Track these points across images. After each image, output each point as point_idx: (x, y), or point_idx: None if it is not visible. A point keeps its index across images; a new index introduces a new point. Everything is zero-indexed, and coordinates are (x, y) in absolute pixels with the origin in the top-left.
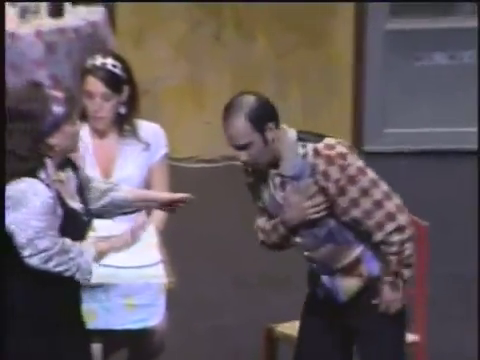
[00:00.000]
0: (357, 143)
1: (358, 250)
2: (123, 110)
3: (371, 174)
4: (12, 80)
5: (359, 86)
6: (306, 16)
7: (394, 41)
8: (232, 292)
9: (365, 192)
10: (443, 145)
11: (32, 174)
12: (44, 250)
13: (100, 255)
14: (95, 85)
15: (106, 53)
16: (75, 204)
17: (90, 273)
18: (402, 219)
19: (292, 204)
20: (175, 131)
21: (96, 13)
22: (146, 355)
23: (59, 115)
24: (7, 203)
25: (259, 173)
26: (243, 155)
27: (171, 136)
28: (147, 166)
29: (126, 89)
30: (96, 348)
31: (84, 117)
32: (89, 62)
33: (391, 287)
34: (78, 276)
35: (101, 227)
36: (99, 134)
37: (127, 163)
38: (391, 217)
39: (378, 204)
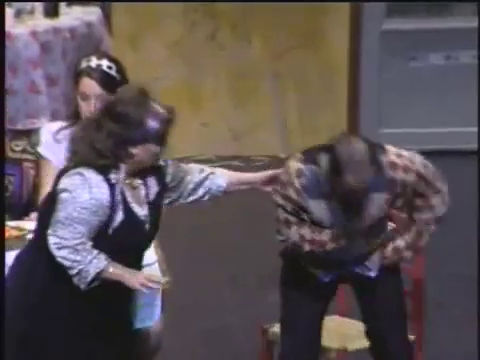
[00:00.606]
0: None
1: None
2: None
3: (423, 160)
4: (8, 80)
5: (355, 86)
6: (302, 17)
7: (390, 41)
8: (229, 292)
9: (424, 178)
10: (439, 145)
11: (103, 170)
12: (61, 237)
13: (107, 275)
14: (90, 86)
15: (101, 54)
16: (141, 212)
17: (86, 284)
18: (445, 191)
19: (364, 216)
20: (171, 131)
21: (91, 13)
22: (142, 355)
23: (150, 130)
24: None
25: (318, 187)
26: (358, 194)
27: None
28: None
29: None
30: None
31: (77, 117)
32: (84, 63)
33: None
34: (75, 280)
35: None
36: None
37: None
38: (437, 191)
39: (436, 191)
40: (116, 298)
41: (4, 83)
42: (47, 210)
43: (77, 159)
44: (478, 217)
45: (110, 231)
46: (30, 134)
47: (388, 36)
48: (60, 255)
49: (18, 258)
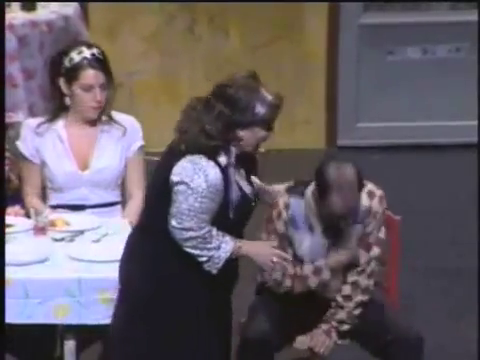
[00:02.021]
0: (330, 137)
1: None
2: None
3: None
4: None
5: (332, 80)
6: (279, 10)
7: (367, 35)
8: None
9: (377, 243)
10: (416, 139)
11: (213, 153)
12: (188, 229)
13: (235, 255)
14: (96, 77)
15: (87, 44)
16: (249, 190)
17: (217, 269)
18: (371, 282)
19: (346, 250)
20: (149, 124)
21: (69, 7)
22: None
23: (259, 115)
24: (181, 163)
25: (304, 220)
26: (343, 222)
27: (145, 129)
28: (124, 158)
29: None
30: (69, 345)
31: (62, 110)
32: (76, 56)
33: (326, 334)
34: (206, 266)
35: (76, 222)
36: (77, 127)
37: (104, 153)
38: (371, 275)
39: (375, 259)
40: (231, 278)
41: (4, 83)
42: (159, 199)
43: (187, 139)
44: (478, 210)
45: (230, 213)
46: (7, 127)
47: (366, 30)
48: (189, 245)
49: (131, 247)
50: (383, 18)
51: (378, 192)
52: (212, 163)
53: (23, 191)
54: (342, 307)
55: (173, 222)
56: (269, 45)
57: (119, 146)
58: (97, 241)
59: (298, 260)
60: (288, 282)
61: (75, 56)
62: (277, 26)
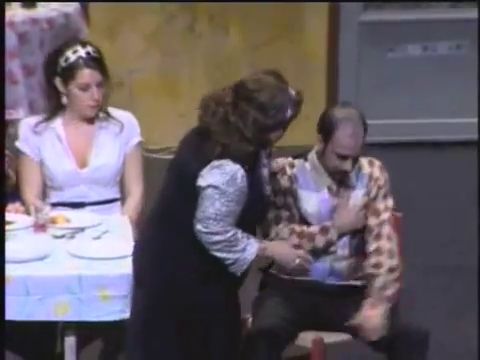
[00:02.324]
0: None
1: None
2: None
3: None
4: None
5: (333, 78)
6: (279, 8)
7: (367, 33)
8: None
9: (386, 209)
10: (417, 136)
11: (249, 157)
12: (215, 233)
13: (262, 257)
14: (92, 76)
15: (81, 42)
16: (268, 191)
17: (242, 270)
18: (395, 248)
19: (350, 211)
20: (149, 123)
21: (69, 4)
22: (120, 347)
23: (289, 116)
24: (208, 168)
25: (309, 179)
26: (348, 164)
27: (145, 128)
28: (122, 154)
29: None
30: (69, 341)
31: (59, 109)
32: (71, 55)
33: (373, 307)
34: (231, 268)
35: (76, 219)
36: (75, 125)
37: (102, 150)
38: (390, 238)
39: (390, 222)
40: (244, 274)
41: (4, 82)
42: (182, 198)
43: (232, 150)
44: (478, 208)
45: (251, 214)
46: (7, 125)
47: (366, 28)
48: (215, 249)
49: (146, 240)
50: (383, 16)
51: (377, 162)
52: (238, 167)
53: (21, 189)
54: (376, 275)
55: (199, 226)
56: (269, 44)
57: (117, 143)
58: (97, 238)
59: (304, 220)
60: (295, 239)
61: (70, 55)
62: (277, 25)
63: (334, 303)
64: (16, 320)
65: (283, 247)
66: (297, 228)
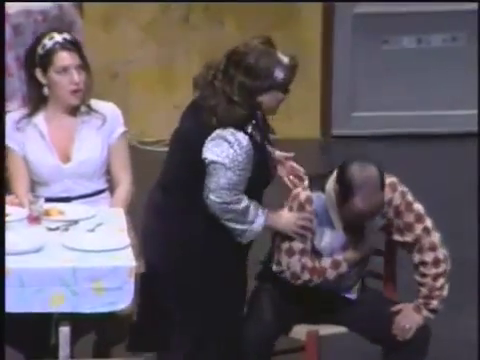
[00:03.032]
0: (325, 127)
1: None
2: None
3: (421, 205)
4: None
5: (327, 70)
6: None
7: (362, 24)
8: None
9: (419, 218)
10: (412, 128)
11: (243, 121)
12: (229, 202)
13: (267, 226)
14: (70, 58)
15: (57, 30)
16: (269, 148)
17: (248, 240)
18: (441, 253)
19: (364, 244)
20: (144, 114)
21: None
22: (114, 339)
23: (278, 79)
24: (213, 140)
25: (326, 215)
26: (369, 222)
27: (140, 119)
28: (106, 146)
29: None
30: (64, 331)
31: (42, 102)
32: (48, 42)
33: (415, 310)
34: (238, 237)
35: (70, 211)
36: (57, 119)
37: (85, 144)
38: (433, 248)
39: (428, 231)
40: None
41: (4, 81)
42: (188, 171)
43: (218, 112)
44: (478, 201)
45: (257, 179)
46: None
47: (360, 19)
48: (227, 218)
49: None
50: (378, 7)
51: (388, 179)
52: (242, 134)
53: (11, 183)
54: (422, 284)
55: (213, 197)
56: (264, 34)
57: (100, 136)
58: (92, 230)
59: (317, 253)
60: (306, 275)
61: (47, 42)
62: (272, 15)
63: (333, 298)
64: (10, 312)
65: (285, 217)
66: (308, 263)
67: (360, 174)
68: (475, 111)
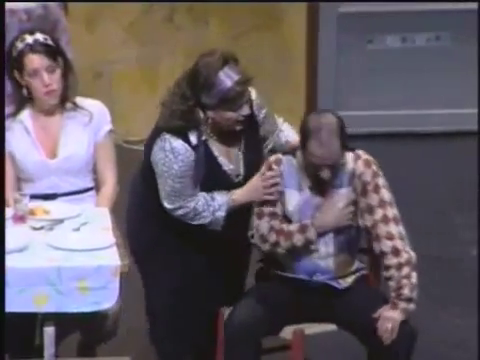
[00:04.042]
0: None
1: (357, 262)
2: (62, 83)
3: (390, 194)
4: None
5: (312, 69)
6: None
7: (347, 24)
8: None
9: (382, 204)
10: (396, 128)
11: (182, 133)
12: (179, 207)
13: (235, 206)
14: (39, 60)
15: (30, 31)
16: (229, 166)
17: (220, 226)
18: (400, 243)
19: (331, 210)
20: (129, 114)
21: None
22: (99, 338)
23: (220, 96)
24: (156, 145)
25: (293, 177)
26: (325, 173)
27: (125, 119)
28: (92, 143)
29: (60, 60)
30: (49, 331)
31: (23, 103)
32: (19, 44)
33: (392, 308)
34: (210, 228)
35: (55, 210)
36: (42, 115)
37: (71, 140)
38: (390, 237)
39: (386, 220)
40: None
41: (4, 83)
42: (146, 175)
43: (160, 121)
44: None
45: (212, 187)
46: None
47: (345, 18)
48: (187, 219)
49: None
50: (362, 7)
51: (364, 156)
52: (181, 142)
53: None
54: (388, 277)
55: (165, 204)
56: (249, 34)
57: (86, 132)
58: (77, 230)
59: (286, 218)
60: (273, 236)
61: (19, 44)
62: (257, 15)
63: (322, 300)
64: None
65: (249, 188)
66: (276, 225)
67: (316, 119)
68: (460, 110)
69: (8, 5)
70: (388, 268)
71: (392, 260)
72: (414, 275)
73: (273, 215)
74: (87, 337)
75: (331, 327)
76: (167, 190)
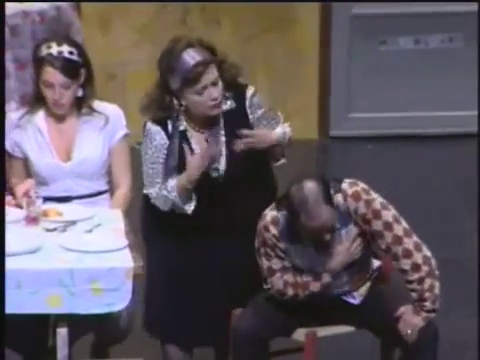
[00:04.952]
0: (323, 127)
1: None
2: (80, 92)
3: (393, 210)
4: None
5: (325, 70)
6: (271, 0)
7: (360, 25)
8: None
9: (388, 226)
10: (409, 130)
11: (160, 121)
12: (150, 194)
13: (183, 188)
14: (54, 75)
15: (61, 39)
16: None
17: (183, 208)
18: (419, 256)
19: (339, 253)
20: (141, 116)
21: None
22: (112, 339)
23: (180, 79)
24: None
25: (295, 233)
26: (328, 236)
27: (137, 120)
28: (107, 147)
29: (83, 72)
30: (61, 332)
31: (40, 102)
32: (44, 50)
33: (414, 312)
34: (178, 212)
35: (68, 212)
36: (56, 118)
37: (86, 144)
38: (408, 254)
39: (399, 240)
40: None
41: (4, 83)
42: None
43: (140, 108)
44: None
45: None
46: None
47: (358, 20)
48: (158, 205)
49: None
50: (375, 8)
51: (350, 189)
52: (158, 128)
53: (10, 184)
54: (411, 290)
55: (143, 189)
56: (261, 36)
57: (101, 136)
58: (89, 231)
59: (297, 269)
60: (291, 291)
61: (43, 50)
62: (269, 17)
63: (337, 306)
64: (8, 313)
65: (190, 164)
66: (290, 279)
67: (297, 194)
68: (474, 112)
69: (21, 6)
70: (410, 283)
71: (413, 276)
72: (436, 285)
73: (284, 269)
74: (100, 338)
75: (344, 329)
76: (144, 176)
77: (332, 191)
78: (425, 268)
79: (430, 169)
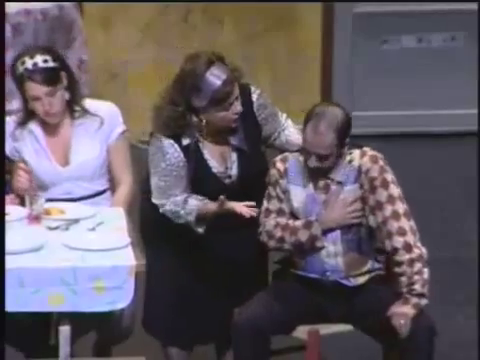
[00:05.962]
0: None
1: (371, 262)
2: (67, 96)
3: (400, 191)
4: None
5: (327, 69)
6: None
7: (362, 24)
8: None
9: (392, 200)
10: (411, 128)
11: (175, 136)
12: (162, 205)
13: (204, 216)
14: (37, 88)
15: (33, 50)
16: (219, 168)
17: (197, 228)
18: (412, 239)
19: (336, 207)
20: (144, 114)
21: None
22: (115, 338)
23: (207, 99)
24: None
25: (299, 175)
26: (312, 161)
27: (140, 119)
28: (104, 147)
29: (64, 75)
30: (64, 331)
31: (30, 115)
32: (20, 67)
33: (403, 303)
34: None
35: (70, 210)
36: (51, 124)
37: (82, 147)
38: (402, 233)
39: (397, 216)
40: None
41: (4, 83)
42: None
43: (154, 128)
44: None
45: (201, 191)
46: None
47: (360, 19)
48: (170, 216)
49: None
50: (378, 7)
51: (371, 152)
52: (171, 142)
53: (12, 186)
54: (400, 274)
55: (152, 199)
56: (264, 35)
57: (97, 137)
58: (92, 230)
59: (293, 215)
60: (279, 232)
61: (19, 67)
62: (271, 16)
63: (336, 299)
64: (10, 311)
65: (226, 206)
66: (282, 221)
67: (321, 108)
68: (475, 110)
69: (23, 5)
70: (400, 264)
71: (404, 256)
72: (426, 271)
73: (280, 212)
74: (103, 337)
75: (347, 327)
76: (153, 186)
77: (351, 146)
78: (417, 251)
79: (430, 168)
